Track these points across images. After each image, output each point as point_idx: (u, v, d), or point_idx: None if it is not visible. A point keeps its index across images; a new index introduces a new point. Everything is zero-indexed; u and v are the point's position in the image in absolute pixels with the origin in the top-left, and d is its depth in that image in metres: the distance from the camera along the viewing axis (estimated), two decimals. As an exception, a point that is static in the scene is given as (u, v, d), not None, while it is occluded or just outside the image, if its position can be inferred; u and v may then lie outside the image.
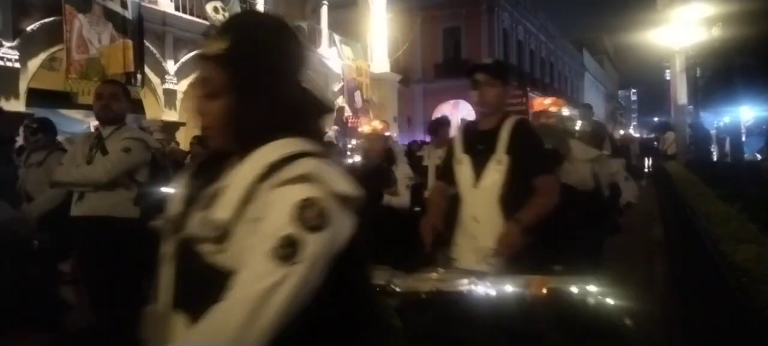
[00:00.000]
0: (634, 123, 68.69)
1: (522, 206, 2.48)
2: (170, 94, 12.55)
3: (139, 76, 11.30)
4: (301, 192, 0.95)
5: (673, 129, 16.95)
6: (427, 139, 7.48)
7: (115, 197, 3.26)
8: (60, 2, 9.84)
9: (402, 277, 2.24)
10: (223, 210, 0.98)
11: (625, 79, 78.19)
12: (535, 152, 2.65)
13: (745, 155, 14.81)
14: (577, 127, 5.06)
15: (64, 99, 11.41)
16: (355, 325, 1.08)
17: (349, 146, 9.50)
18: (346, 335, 1.06)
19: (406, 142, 13.04)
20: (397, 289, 2.17)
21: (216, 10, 13.15)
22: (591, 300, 2.10)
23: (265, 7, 15.60)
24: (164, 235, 1.12)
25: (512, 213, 2.49)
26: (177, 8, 12.84)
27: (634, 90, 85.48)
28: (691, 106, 15.46)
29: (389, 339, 1.34)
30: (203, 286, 0.97)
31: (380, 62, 19.86)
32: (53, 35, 10.05)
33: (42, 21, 9.99)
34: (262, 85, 1.05)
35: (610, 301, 2.04)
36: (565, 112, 4.01)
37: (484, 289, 2.14)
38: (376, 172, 4.29)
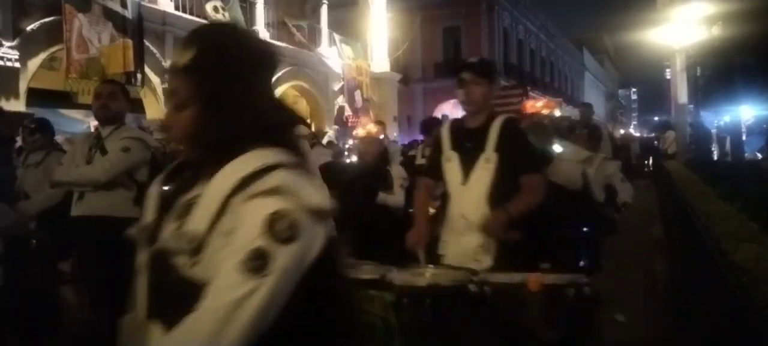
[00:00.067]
0: (635, 122, 68.61)
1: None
2: (170, 94, 12.53)
3: (139, 76, 11.30)
4: (272, 205, 0.96)
5: (673, 128, 16.93)
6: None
7: (115, 197, 3.26)
8: (60, 2, 9.84)
9: (397, 271, 2.25)
10: (197, 223, 0.99)
11: (625, 78, 78.15)
12: (523, 151, 2.69)
13: (746, 154, 14.79)
14: (575, 128, 5.14)
15: (64, 99, 11.41)
16: (330, 335, 1.09)
17: (347, 146, 9.50)
18: (321, 344, 1.07)
19: (407, 142, 13.06)
20: (395, 282, 2.18)
21: (216, 9, 13.15)
22: (579, 296, 2.13)
23: (265, 7, 15.62)
24: (139, 244, 1.13)
25: None
26: (177, 8, 12.85)
27: (634, 89, 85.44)
28: (692, 106, 15.45)
29: None
30: (178, 297, 0.98)
31: (380, 61, 19.85)
32: (53, 35, 10.05)
33: (42, 20, 9.98)
34: (227, 96, 1.06)
35: (598, 297, 2.06)
36: (557, 113, 4.07)
37: (471, 285, 2.16)
38: (372, 172, 4.33)
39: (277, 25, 16.40)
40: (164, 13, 12.36)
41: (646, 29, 18.51)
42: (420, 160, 4.99)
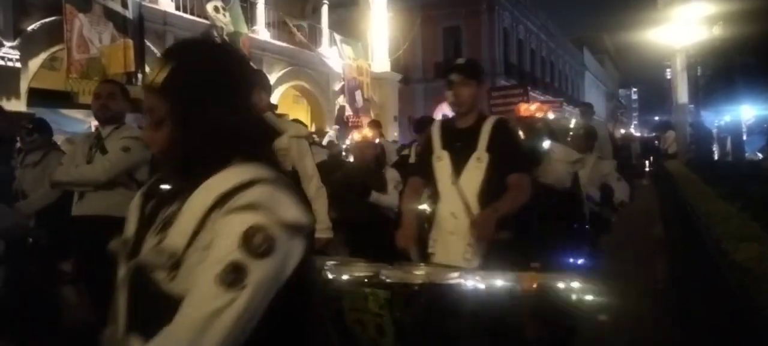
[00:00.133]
0: (635, 122, 68.61)
1: None
2: (171, 94, 12.53)
3: (139, 76, 11.29)
4: (248, 219, 0.98)
5: (673, 128, 16.92)
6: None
7: (115, 197, 3.25)
8: (60, 2, 9.83)
9: (390, 269, 2.27)
10: (175, 238, 1.01)
11: (625, 78, 78.16)
12: (512, 151, 2.73)
13: (746, 154, 14.80)
14: (571, 126, 5.20)
15: (65, 99, 11.40)
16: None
17: (345, 146, 9.52)
18: None
19: (408, 142, 13.02)
20: (388, 280, 2.19)
21: (216, 9, 13.14)
22: (570, 295, 2.14)
23: (265, 7, 15.61)
24: (119, 258, 1.14)
25: None
26: (178, 7, 12.84)
27: (634, 89, 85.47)
28: (692, 105, 15.47)
29: None
30: (156, 312, 1.00)
31: (381, 61, 19.84)
32: (54, 35, 10.05)
33: (42, 21, 9.99)
34: (202, 114, 1.07)
35: (589, 296, 2.07)
36: (551, 116, 4.13)
37: (465, 282, 2.17)
38: (367, 175, 4.39)
39: (278, 25, 16.39)
40: (165, 13, 12.36)
41: (646, 29, 18.52)
42: (413, 160, 5.03)
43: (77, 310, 3.87)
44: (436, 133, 2.86)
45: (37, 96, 10.37)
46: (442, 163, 2.74)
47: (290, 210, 1.02)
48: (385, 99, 19.83)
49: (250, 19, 14.72)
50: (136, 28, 11.27)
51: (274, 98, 13.50)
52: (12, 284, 3.55)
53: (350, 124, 16.64)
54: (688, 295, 3.78)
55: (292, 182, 1.11)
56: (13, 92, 9.58)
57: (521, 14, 30.97)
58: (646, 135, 27.84)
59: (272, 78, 13.76)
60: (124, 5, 10.99)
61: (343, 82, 17.86)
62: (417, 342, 2.17)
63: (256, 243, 0.96)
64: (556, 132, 4.08)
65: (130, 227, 1.15)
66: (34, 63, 10.05)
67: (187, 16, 12.94)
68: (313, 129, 15.73)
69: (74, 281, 3.95)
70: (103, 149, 3.31)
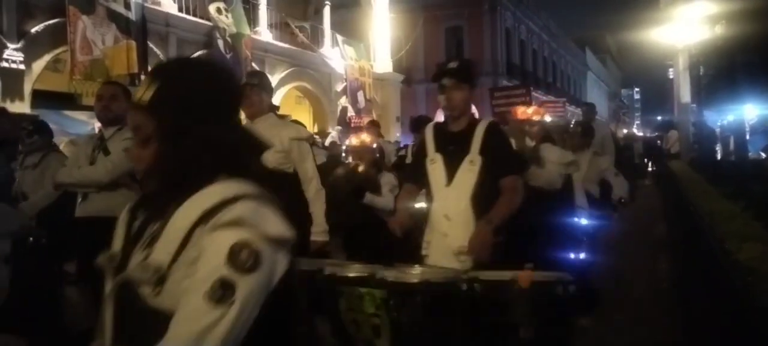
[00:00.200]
0: (638, 122, 68.46)
1: (492, 205, 2.58)
2: (173, 95, 12.55)
3: (142, 77, 11.31)
4: (234, 236, 1.00)
5: (676, 128, 16.91)
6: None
7: (118, 198, 3.26)
8: (64, 4, 9.87)
9: (387, 269, 2.28)
10: (161, 254, 1.03)
11: (628, 77, 78.04)
12: (504, 154, 2.77)
13: (749, 153, 14.76)
14: (571, 126, 5.24)
15: (68, 100, 11.43)
16: None
17: (344, 147, 9.54)
18: None
19: (411, 143, 13.01)
20: (386, 279, 2.20)
21: (219, 10, 13.16)
22: (566, 293, 2.16)
23: (268, 8, 15.63)
24: (106, 272, 1.15)
25: (483, 211, 2.58)
26: (180, 9, 12.86)
27: (637, 89, 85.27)
28: (695, 105, 15.44)
29: None
30: (143, 327, 1.02)
31: (383, 62, 19.85)
32: (57, 37, 10.08)
33: (46, 23, 10.02)
34: (186, 133, 1.09)
35: (581, 295, 2.09)
36: (548, 118, 4.19)
37: (460, 283, 2.18)
38: (363, 179, 4.43)
39: (280, 26, 16.41)
40: (167, 15, 12.38)
41: (648, 29, 18.51)
42: (409, 161, 5.05)
43: (80, 310, 3.88)
44: (429, 136, 2.88)
45: (40, 98, 10.40)
46: (435, 166, 2.77)
47: (274, 225, 1.04)
48: (388, 100, 19.83)
49: (253, 21, 14.74)
50: (139, 29, 11.30)
51: (277, 99, 13.51)
52: (13, 284, 3.55)
53: (352, 125, 16.64)
54: (692, 294, 3.77)
55: (282, 192, 1.13)
56: (17, 94, 9.61)
57: (523, 14, 30.96)
58: (648, 135, 27.81)
59: (274, 79, 13.77)
60: (127, 7, 11.01)
61: (345, 83, 17.87)
62: (412, 342, 2.18)
63: (242, 259, 0.98)
64: (551, 134, 4.11)
65: (117, 242, 1.17)
66: (38, 65, 10.08)
67: (190, 17, 12.97)
68: (315, 130, 15.77)
69: (77, 281, 3.96)
70: (106, 151, 3.32)
